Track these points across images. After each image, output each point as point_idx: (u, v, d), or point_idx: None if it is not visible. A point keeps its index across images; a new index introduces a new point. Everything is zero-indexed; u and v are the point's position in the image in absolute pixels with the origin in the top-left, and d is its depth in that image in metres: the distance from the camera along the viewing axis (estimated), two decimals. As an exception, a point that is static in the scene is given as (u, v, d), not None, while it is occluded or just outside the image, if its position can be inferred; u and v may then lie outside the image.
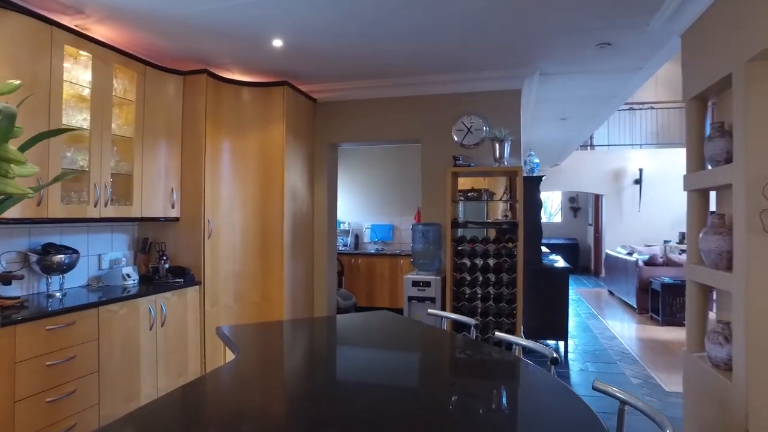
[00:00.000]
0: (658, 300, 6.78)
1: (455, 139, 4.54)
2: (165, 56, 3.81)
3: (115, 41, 3.41)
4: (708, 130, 2.74)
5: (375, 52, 3.79)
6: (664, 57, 3.75)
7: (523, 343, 1.98)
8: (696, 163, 2.90)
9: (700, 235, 2.66)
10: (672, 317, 6.65)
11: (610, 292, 9.58)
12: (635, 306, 7.59)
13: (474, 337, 2.46)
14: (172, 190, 3.80)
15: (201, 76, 3.84)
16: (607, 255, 9.78)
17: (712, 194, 2.89)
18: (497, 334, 2.12)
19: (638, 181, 10.99)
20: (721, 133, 2.55)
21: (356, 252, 7.51)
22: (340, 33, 3.39)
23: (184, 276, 3.72)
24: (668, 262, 7.43)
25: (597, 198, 12.52)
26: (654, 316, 7.01)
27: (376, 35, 3.43)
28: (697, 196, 2.91)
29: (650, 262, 7.47)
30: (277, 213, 4.21)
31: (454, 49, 3.72)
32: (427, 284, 4.24)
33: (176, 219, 3.86)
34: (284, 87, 4.20)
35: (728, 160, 2.49)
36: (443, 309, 4.21)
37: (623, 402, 1.40)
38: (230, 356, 2.03)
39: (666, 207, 10.69)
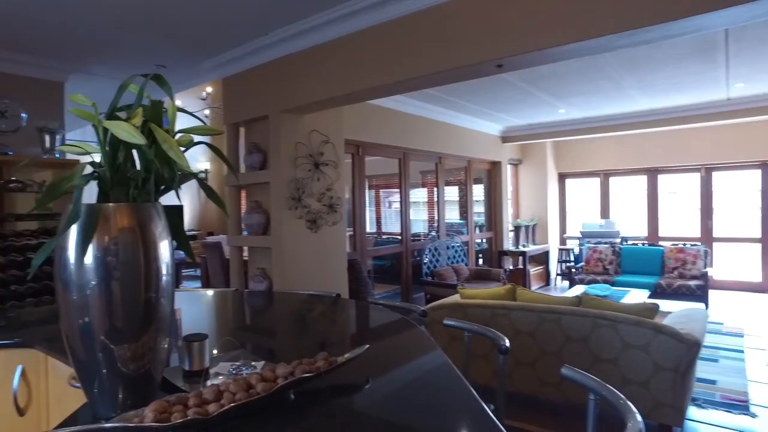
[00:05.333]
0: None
1: (-22, 121, 4.01)
2: None
3: None
4: (245, 147, 4.21)
5: None
6: (198, 84, 4.96)
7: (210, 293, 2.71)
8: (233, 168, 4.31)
9: (243, 214, 4.09)
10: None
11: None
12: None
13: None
14: None
15: None
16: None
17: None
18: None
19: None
20: (257, 150, 4.06)
21: None
22: None
23: None
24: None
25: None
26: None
27: None
28: (234, 190, 4.33)
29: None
30: None
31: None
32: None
33: None
34: None
35: (261, 167, 4.02)
36: None
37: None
38: None
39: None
